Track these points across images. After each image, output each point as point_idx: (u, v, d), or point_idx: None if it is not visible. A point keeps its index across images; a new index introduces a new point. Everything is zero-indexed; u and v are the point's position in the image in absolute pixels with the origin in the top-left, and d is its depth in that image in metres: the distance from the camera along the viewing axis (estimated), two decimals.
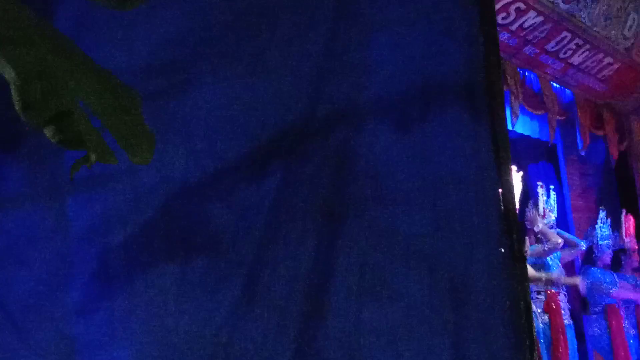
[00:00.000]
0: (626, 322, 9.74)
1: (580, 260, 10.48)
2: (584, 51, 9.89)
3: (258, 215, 3.16)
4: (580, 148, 11.28)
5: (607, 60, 10.55)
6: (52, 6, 3.31)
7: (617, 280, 9.59)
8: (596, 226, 9.90)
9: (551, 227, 8.78)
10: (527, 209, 8.82)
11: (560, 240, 8.57)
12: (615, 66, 10.82)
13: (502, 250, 2.68)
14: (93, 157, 2.09)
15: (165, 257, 3.27)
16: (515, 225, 2.67)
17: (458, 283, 2.77)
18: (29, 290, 3.46)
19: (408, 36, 3.01)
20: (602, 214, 9.99)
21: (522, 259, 2.70)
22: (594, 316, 9.78)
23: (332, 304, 2.95)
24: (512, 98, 9.15)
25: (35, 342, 3.43)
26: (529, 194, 9.42)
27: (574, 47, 9.64)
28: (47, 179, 3.50)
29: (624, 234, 10.31)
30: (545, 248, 8.50)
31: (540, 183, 9.24)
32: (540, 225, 8.63)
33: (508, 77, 9.07)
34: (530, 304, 2.70)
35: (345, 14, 3.13)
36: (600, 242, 9.81)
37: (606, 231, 9.83)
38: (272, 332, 3.02)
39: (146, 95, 2.54)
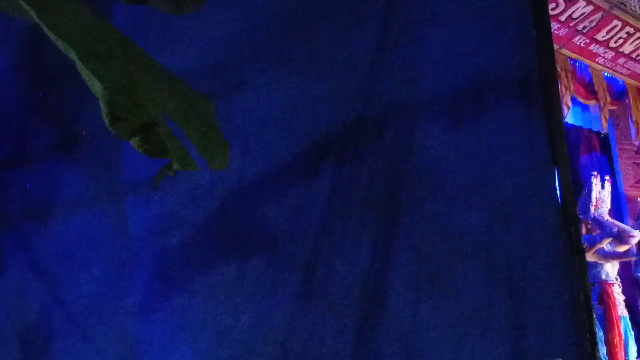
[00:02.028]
0: None
1: (636, 250, 10.33)
2: (635, 39, 9.74)
3: (313, 213, 3.17)
4: (633, 137, 11.12)
5: None
6: (108, 11, 3.36)
7: None
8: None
9: (603, 217, 8.68)
10: (579, 199, 8.74)
11: (615, 229, 8.46)
12: None
13: (561, 243, 2.67)
14: (176, 164, 2.15)
15: (222, 256, 3.30)
16: (573, 219, 2.66)
17: (516, 277, 2.76)
18: (91, 291, 3.53)
19: (459, 32, 2.99)
20: None
21: (581, 252, 2.68)
22: None
23: (389, 300, 2.96)
24: (563, 89, 9.05)
25: (97, 342, 3.49)
26: (580, 185, 9.33)
27: (625, 35, 9.49)
28: (105, 183, 3.56)
29: None
30: (598, 238, 8.40)
31: (594, 173, 9.14)
32: (592, 216, 8.54)
33: (559, 68, 8.98)
34: (589, 297, 2.68)
35: (395, 11, 3.13)
36: None
37: None
38: (330, 329, 3.04)
39: None
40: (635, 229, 9.42)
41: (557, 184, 2.68)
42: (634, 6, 9.06)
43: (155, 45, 3.25)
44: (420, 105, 3.08)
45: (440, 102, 3.04)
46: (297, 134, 3.24)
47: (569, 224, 2.65)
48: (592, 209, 8.75)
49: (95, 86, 2.04)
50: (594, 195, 8.89)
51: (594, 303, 8.32)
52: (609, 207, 9.01)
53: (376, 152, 3.12)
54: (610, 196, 9.19)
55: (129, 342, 3.42)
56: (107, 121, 2.05)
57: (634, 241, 9.14)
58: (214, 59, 3.37)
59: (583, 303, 2.61)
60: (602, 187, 9.03)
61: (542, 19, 2.76)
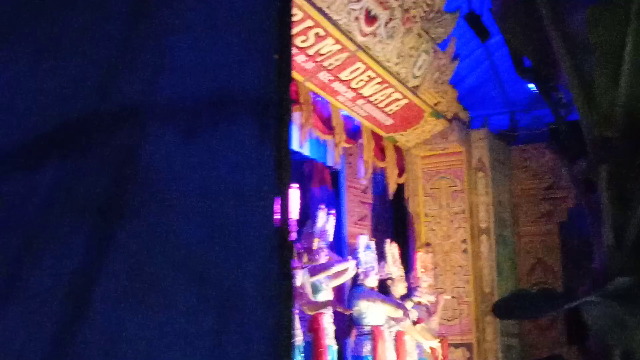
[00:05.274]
0: (388, 344, 10.21)
1: (349, 285, 10.83)
2: (375, 84, 10.27)
3: (27, 207, 3.00)
4: (361, 176, 11.67)
5: (396, 95, 11.02)
6: None
7: (385, 299, 10.01)
8: (357, 252, 10.34)
9: (323, 250, 9.05)
10: (303, 230, 9.05)
11: (333, 261, 8.83)
12: (403, 102, 11.31)
13: (272, 266, 2.70)
14: None
15: None
16: (287, 243, 2.70)
17: (227, 294, 2.76)
18: None
19: (206, 43, 2.98)
20: (360, 241, 10.46)
21: (289, 277, 2.73)
22: (359, 337, 10.13)
23: (94, 306, 2.85)
24: (303, 120, 9.34)
25: None
26: (309, 216, 9.66)
27: (367, 78, 9.99)
28: None
29: (390, 262, 10.80)
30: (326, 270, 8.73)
31: (322, 206, 9.50)
32: (315, 247, 8.89)
33: (301, 99, 9.25)
34: (292, 323, 2.74)
35: (143, 11, 3.06)
36: (363, 268, 10.26)
37: (370, 256, 10.27)
38: (27, 331, 2.87)
39: None
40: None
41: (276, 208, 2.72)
42: (378, 52, 9.55)
43: None
44: (156, 110, 3.02)
45: (176, 110, 3.00)
46: (20, 122, 3.06)
47: (282, 249, 2.69)
48: (315, 241, 9.12)
49: None
50: (317, 228, 9.26)
51: (304, 330, 8.60)
52: (330, 240, 9.43)
53: (104, 152, 3.01)
54: (332, 230, 9.59)
55: None
56: None
57: (345, 267, 9.52)
58: None
59: (285, 329, 2.66)
60: (327, 221, 9.42)
61: (285, 45, 2.81)
